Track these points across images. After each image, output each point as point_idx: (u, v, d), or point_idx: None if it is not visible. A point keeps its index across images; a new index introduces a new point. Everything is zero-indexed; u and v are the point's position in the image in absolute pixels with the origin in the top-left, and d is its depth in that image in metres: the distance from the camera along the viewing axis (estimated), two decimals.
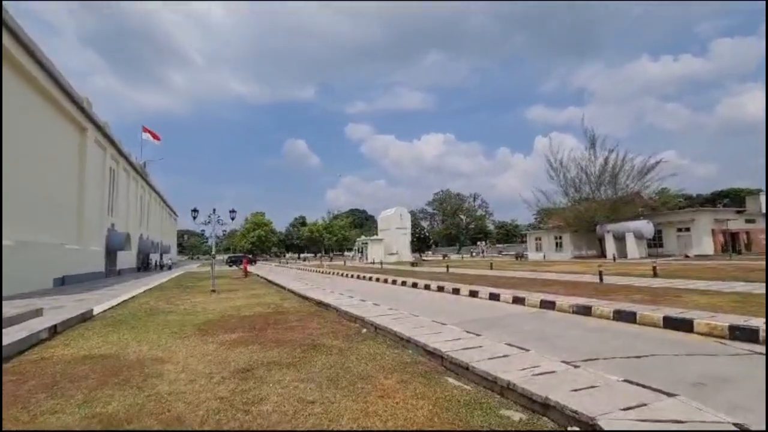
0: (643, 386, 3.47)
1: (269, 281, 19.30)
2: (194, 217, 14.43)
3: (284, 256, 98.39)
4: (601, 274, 13.50)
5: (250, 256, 48.36)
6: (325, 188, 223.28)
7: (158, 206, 55.28)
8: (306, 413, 3.31)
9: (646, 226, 35.06)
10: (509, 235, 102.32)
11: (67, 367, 4.87)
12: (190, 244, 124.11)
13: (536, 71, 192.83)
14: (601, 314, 7.74)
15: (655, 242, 37.48)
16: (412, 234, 51.34)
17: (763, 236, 36.70)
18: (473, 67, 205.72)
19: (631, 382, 3.60)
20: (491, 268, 24.19)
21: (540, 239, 45.49)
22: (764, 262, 19.20)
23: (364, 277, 20.74)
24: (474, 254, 62.13)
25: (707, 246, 34.24)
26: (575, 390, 3.41)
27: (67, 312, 8.39)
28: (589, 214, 38.47)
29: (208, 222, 15.54)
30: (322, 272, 28.68)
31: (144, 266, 40.65)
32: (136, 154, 42.07)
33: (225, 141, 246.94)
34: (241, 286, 17.15)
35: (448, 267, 23.73)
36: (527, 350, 4.77)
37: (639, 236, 35.28)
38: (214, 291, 14.48)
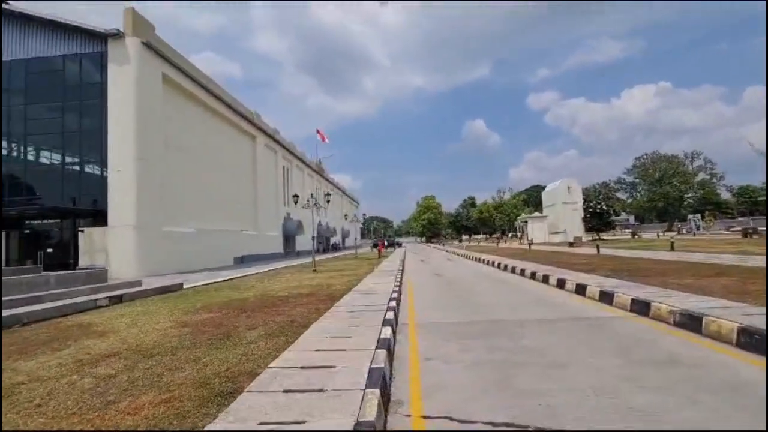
0: None
1: (379, 263, 19.58)
2: (295, 202, 15.81)
3: (459, 238, 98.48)
4: None
5: (395, 240, 59.34)
6: (506, 167, 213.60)
7: (338, 197, 64.13)
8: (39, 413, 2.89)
9: None
10: (758, 204, 73.66)
11: (60, 331, 5.93)
12: (374, 228, 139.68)
13: None
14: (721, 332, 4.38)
15: None
16: (585, 209, 42.97)
17: None
18: None
19: None
20: (671, 249, 18.01)
21: None
22: None
23: (482, 261, 18.62)
24: (685, 231, 47.24)
25: None
26: None
27: (156, 284, 10.43)
28: None
29: (306, 206, 16.85)
30: (453, 254, 27.30)
31: (325, 248, 47.94)
32: (323, 154, 50.24)
33: (409, 133, 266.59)
34: (349, 267, 17.92)
35: (599, 248, 18.62)
36: (358, 389, 2.99)
37: None
38: (315, 270, 15.60)
